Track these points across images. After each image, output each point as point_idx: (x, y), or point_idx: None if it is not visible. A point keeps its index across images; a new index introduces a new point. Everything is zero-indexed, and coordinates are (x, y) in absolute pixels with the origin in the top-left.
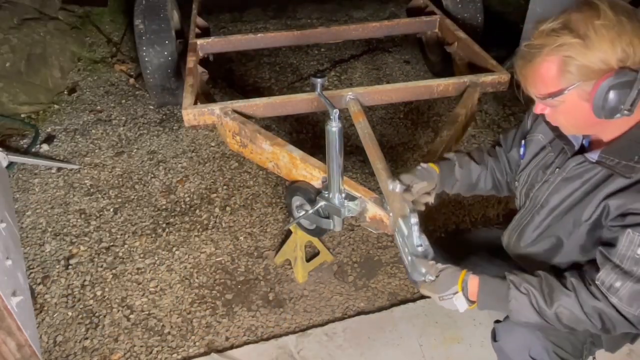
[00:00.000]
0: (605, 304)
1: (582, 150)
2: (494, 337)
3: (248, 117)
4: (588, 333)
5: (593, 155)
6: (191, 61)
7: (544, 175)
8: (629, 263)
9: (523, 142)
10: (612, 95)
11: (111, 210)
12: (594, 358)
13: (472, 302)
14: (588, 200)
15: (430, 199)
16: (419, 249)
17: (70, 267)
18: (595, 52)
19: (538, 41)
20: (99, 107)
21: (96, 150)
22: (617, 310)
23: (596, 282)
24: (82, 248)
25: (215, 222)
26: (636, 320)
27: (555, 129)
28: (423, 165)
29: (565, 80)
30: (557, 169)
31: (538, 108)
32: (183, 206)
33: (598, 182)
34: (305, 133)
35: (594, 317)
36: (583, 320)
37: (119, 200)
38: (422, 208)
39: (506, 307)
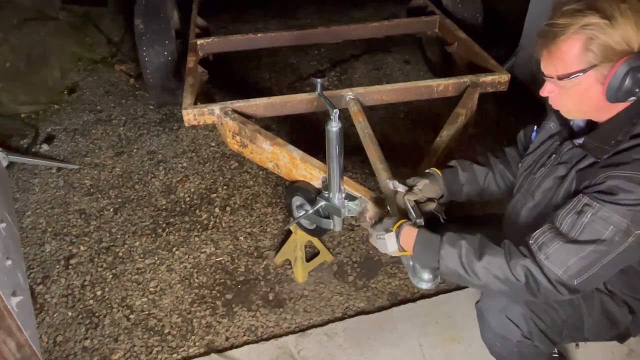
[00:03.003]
0: (530, 261)
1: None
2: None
3: (248, 117)
4: (569, 311)
5: (579, 140)
6: (191, 61)
7: (546, 161)
8: (567, 226)
9: (536, 127)
10: (630, 77)
11: (111, 210)
12: (577, 345)
13: (405, 251)
14: (569, 177)
15: (434, 205)
16: None
17: (70, 267)
18: (620, 32)
19: (562, 20)
20: (99, 107)
21: (96, 150)
22: (541, 269)
23: (530, 240)
24: (82, 248)
25: (215, 222)
26: (558, 283)
27: (559, 115)
28: (427, 170)
29: (585, 61)
30: (554, 155)
31: (545, 90)
32: (183, 206)
33: (578, 159)
34: (305, 133)
35: (519, 272)
36: (508, 277)
37: (119, 200)
38: (430, 208)
39: (437, 257)
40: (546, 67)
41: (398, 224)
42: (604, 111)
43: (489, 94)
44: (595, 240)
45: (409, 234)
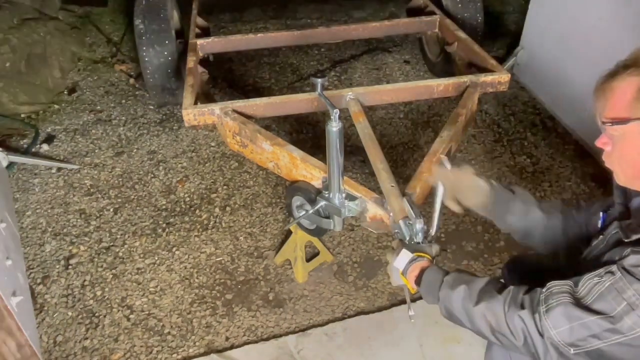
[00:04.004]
0: (527, 313)
1: None
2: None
3: (248, 117)
4: None
5: (627, 222)
6: (191, 61)
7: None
8: (585, 290)
9: (602, 213)
10: None
11: (111, 210)
12: None
13: (416, 285)
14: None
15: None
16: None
17: (70, 267)
18: None
19: (629, 61)
20: (99, 107)
21: (96, 150)
22: (536, 325)
23: (543, 289)
24: (82, 248)
25: (215, 222)
26: (551, 344)
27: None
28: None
29: (635, 110)
30: (601, 236)
31: (601, 141)
32: (183, 206)
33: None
34: (305, 133)
35: (514, 324)
36: (502, 327)
37: (119, 200)
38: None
39: (437, 297)
40: (597, 106)
41: (416, 254)
42: None
43: (489, 94)
44: (604, 313)
45: (417, 267)
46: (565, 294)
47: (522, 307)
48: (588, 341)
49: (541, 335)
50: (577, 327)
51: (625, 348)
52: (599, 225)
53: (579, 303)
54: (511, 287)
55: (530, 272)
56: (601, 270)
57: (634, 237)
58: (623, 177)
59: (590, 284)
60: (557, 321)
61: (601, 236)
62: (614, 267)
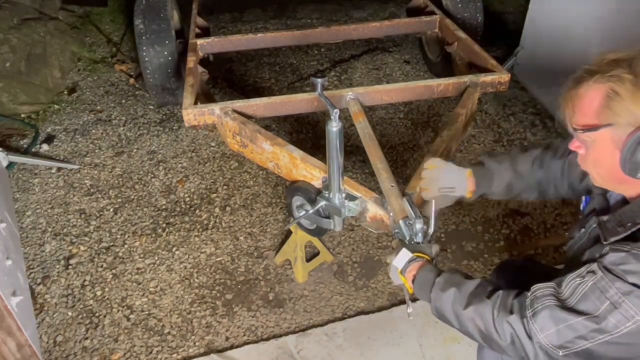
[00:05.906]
0: (516, 318)
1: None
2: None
3: (248, 117)
4: None
5: (605, 217)
6: (191, 61)
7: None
8: (568, 290)
9: (585, 197)
10: None
11: (111, 210)
12: None
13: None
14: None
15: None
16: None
17: (70, 267)
18: None
19: (593, 67)
20: (99, 107)
21: (96, 150)
22: (525, 329)
23: (528, 292)
24: (82, 248)
25: (215, 222)
26: (539, 347)
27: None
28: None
29: (603, 116)
30: (583, 229)
31: (574, 144)
32: (183, 206)
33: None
34: (305, 133)
35: (503, 328)
36: (491, 332)
37: (119, 200)
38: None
39: (429, 298)
40: (566, 114)
41: (415, 254)
42: (629, 185)
43: (489, 94)
44: (588, 313)
45: (414, 267)
46: (549, 297)
47: (511, 312)
48: (575, 342)
49: (530, 339)
50: (564, 329)
51: (613, 346)
52: (582, 206)
53: (563, 305)
54: (500, 292)
55: (518, 275)
56: (582, 270)
57: (612, 239)
58: (600, 179)
59: (573, 284)
60: (544, 324)
61: (582, 229)
62: (594, 266)
